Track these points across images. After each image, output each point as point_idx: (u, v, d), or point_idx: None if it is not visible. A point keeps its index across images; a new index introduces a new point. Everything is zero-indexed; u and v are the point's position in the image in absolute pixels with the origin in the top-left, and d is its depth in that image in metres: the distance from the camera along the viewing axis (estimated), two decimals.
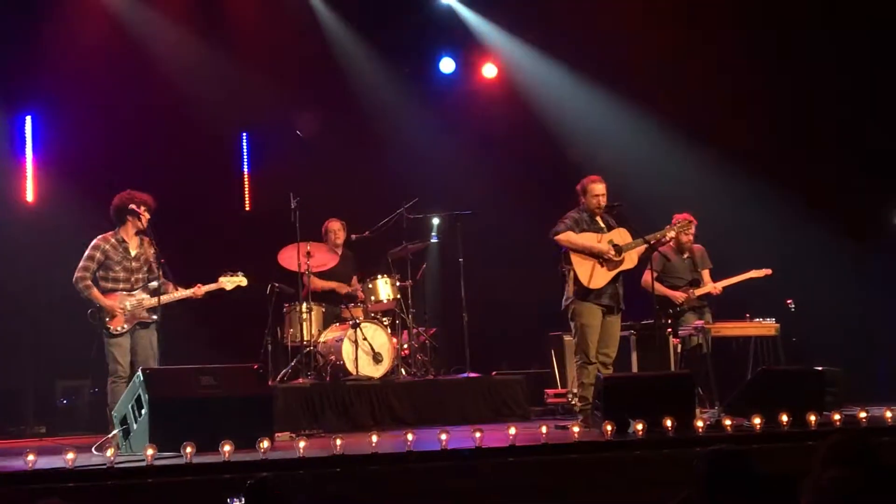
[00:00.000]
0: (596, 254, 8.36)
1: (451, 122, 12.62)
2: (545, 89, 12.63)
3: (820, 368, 8.19)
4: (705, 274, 10.12)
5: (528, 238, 11.12)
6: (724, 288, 10.00)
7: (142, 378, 7.18)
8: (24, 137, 11.32)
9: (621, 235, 8.51)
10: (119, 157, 10.91)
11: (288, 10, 11.93)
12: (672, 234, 9.21)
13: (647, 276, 9.31)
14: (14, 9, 10.71)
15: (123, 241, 8.24)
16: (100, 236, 8.25)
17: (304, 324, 9.89)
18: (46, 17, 11.00)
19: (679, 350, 9.64)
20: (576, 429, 6.93)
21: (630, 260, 8.50)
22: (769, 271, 9.99)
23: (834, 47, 11.54)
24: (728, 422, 7.13)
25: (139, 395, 7.13)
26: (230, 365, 7.86)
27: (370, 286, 10.37)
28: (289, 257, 10.08)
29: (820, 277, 11.28)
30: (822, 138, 11.70)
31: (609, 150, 11.82)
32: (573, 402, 9.01)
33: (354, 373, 9.62)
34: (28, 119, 11.34)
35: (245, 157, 12.47)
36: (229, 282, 8.55)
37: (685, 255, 10.10)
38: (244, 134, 12.49)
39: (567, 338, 9.90)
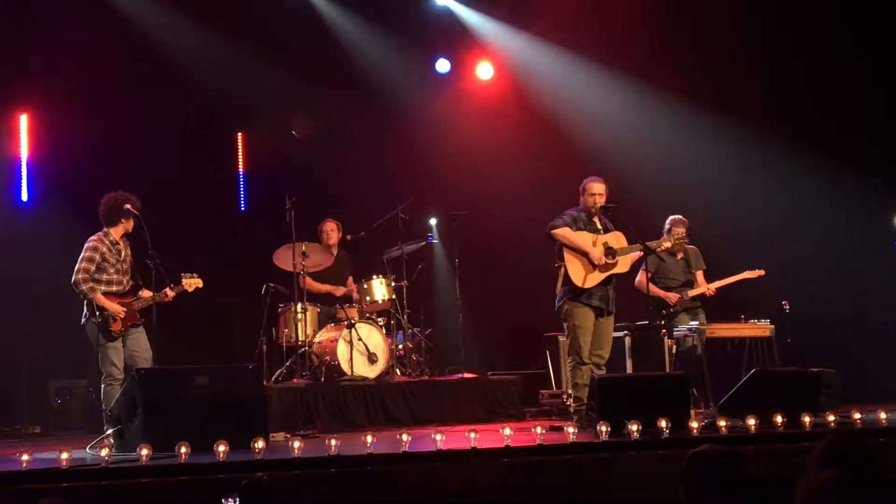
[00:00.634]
0: (588, 256, 8.36)
1: (447, 123, 12.62)
2: (542, 86, 12.63)
3: (814, 370, 8.20)
4: (699, 275, 10.15)
5: (524, 239, 11.14)
6: (717, 289, 10.02)
7: (136, 378, 7.17)
8: (20, 136, 11.30)
9: (617, 239, 8.52)
10: (114, 157, 10.89)
11: (284, 9, 11.92)
12: (668, 244, 9.25)
13: (641, 277, 9.33)
14: (8, 8, 10.69)
15: (116, 242, 8.21)
16: (94, 237, 8.18)
17: (299, 324, 9.88)
18: (41, 16, 10.98)
19: (674, 351, 9.66)
20: (570, 430, 6.93)
21: (624, 264, 8.51)
22: (762, 272, 10.01)
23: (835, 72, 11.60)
24: (722, 423, 7.14)
25: (134, 396, 7.12)
26: (225, 365, 7.86)
27: (365, 286, 10.37)
28: (284, 257, 10.07)
29: (815, 278, 11.29)
30: (817, 139, 11.70)
31: (605, 148, 11.83)
32: (568, 403, 9.02)
33: (349, 373, 9.62)
34: (23, 118, 11.33)
35: (240, 156, 12.45)
36: (189, 283, 8.42)
37: (679, 257, 10.13)
38: (239, 133, 12.48)
39: (562, 338, 9.89)
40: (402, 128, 12.39)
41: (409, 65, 12.55)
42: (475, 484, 6.19)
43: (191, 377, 7.36)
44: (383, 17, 12.24)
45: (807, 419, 7.19)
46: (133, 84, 11.28)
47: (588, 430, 7.44)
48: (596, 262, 8.34)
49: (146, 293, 8.22)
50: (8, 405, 10.50)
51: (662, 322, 9.78)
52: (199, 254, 9.85)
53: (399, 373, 10.14)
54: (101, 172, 10.54)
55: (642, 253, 8.72)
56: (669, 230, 9.60)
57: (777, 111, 11.75)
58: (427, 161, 12.24)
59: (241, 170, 12.45)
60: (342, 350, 9.66)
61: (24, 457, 5.89)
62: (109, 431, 7.23)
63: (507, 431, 6.70)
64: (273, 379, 9.73)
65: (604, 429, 6.81)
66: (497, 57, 12.92)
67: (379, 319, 10.22)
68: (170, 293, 8.28)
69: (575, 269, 8.36)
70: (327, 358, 9.81)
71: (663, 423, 6.89)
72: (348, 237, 10.74)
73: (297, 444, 6.33)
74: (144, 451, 6.04)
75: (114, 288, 8.14)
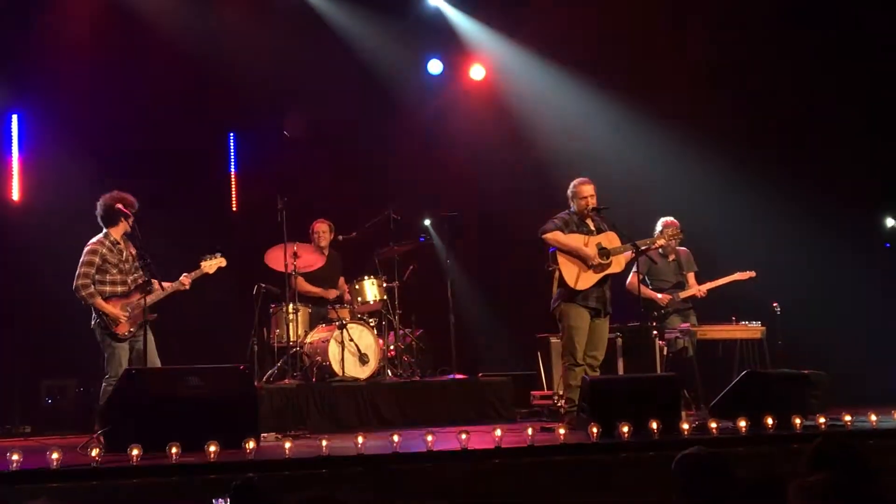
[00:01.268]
0: (581, 257, 8.38)
1: (439, 124, 12.62)
2: (532, 89, 12.64)
3: (805, 371, 8.22)
4: (690, 277, 10.17)
5: (516, 239, 11.15)
6: (708, 290, 10.04)
7: (127, 378, 7.15)
8: (11, 136, 11.27)
9: (609, 239, 8.54)
10: (105, 157, 10.86)
11: (276, 9, 11.91)
12: (662, 241, 9.28)
13: (632, 279, 9.34)
14: (0, 8, 10.67)
15: (117, 242, 8.19)
16: (93, 240, 8.16)
17: (291, 324, 9.88)
18: (33, 15, 10.96)
19: (665, 352, 9.67)
20: (561, 431, 6.95)
21: (617, 264, 8.53)
22: (753, 273, 10.04)
23: (833, 76, 11.64)
24: (713, 424, 7.15)
25: (125, 395, 7.11)
26: (216, 365, 7.84)
27: (357, 287, 10.36)
28: (275, 258, 10.06)
29: (806, 280, 11.31)
30: (809, 141, 11.74)
31: (594, 151, 11.84)
32: (559, 404, 9.02)
33: (340, 374, 9.61)
34: (14, 118, 11.30)
35: (232, 157, 12.44)
36: (210, 265, 8.50)
37: (671, 258, 10.15)
38: (231, 134, 12.46)
39: (553, 339, 9.91)
40: (394, 128, 12.38)
41: (402, 65, 12.55)
42: (466, 485, 6.20)
43: (182, 377, 7.35)
44: (377, 17, 12.23)
45: (797, 421, 7.22)
46: (124, 84, 11.26)
47: (579, 431, 7.45)
48: (590, 262, 8.35)
49: (161, 287, 8.21)
50: None
51: (654, 324, 9.79)
52: (190, 253, 9.82)
53: (390, 373, 10.13)
54: (91, 172, 10.52)
55: (634, 253, 8.73)
56: (661, 232, 9.61)
57: (764, 116, 11.80)
58: (419, 162, 12.23)
59: (232, 170, 12.42)
60: (333, 351, 9.65)
61: (15, 457, 5.87)
62: (101, 431, 7.21)
63: (499, 432, 6.70)
64: (264, 379, 9.72)
65: (595, 430, 6.82)
66: (488, 58, 12.92)
67: (370, 320, 10.22)
68: (186, 281, 8.32)
69: (569, 272, 8.38)
70: (318, 358, 9.80)
71: (654, 425, 6.90)
72: (340, 237, 10.73)
73: (287, 445, 6.32)
74: (135, 452, 6.03)
75: (119, 289, 8.13)
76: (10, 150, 11.26)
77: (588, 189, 8.55)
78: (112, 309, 8.01)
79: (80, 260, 8.09)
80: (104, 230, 8.21)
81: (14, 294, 10.61)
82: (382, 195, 11.06)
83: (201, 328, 10.52)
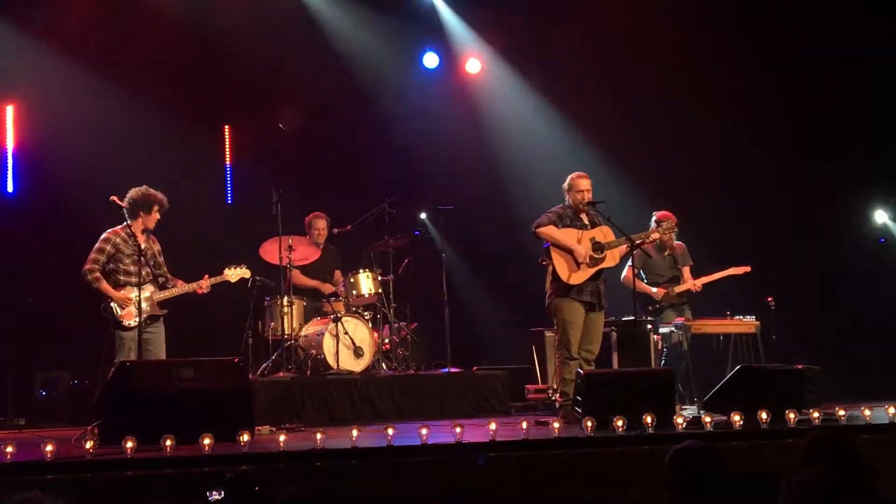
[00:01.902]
0: (573, 253, 8.35)
1: (435, 117, 12.60)
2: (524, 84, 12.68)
3: (799, 366, 8.22)
4: (685, 271, 10.17)
5: (511, 233, 11.15)
6: (703, 285, 10.04)
7: (121, 370, 7.14)
8: (5, 127, 11.24)
9: (604, 233, 8.53)
10: (101, 150, 10.84)
11: (271, 2, 11.88)
12: (657, 235, 9.27)
13: (627, 273, 9.34)
14: None
15: (133, 235, 8.29)
16: (110, 230, 8.35)
17: (286, 317, 9.86)
18: (29, 6, 10.93)
19: (659, 347, 9.68)
20: (556, 424, 6.95)
21: (612, 258, 8.51)
22: (748, 268, 10.04)
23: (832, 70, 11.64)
24: (707, 419, 7.16)
25: (119, 388, 7.10)
26: (210, 358, 7.83)
27: (352, 280, 10.35)
28: (271, 251, 10.05)
29: (800, 275, 11.33)
30: (802, 137, 11.74)
31: (588, 143, 11.86)
32: (554, 398, 9.03)
33: (335, 367, 9.60)
34: (9, 109, 11.27)
35: (226, 149, 12.40)
36: (233, 274, 8.70)
37: (666, 253, 10.15)
38: (226, 126, 12.43)
39: (548, 333, 9.90)
40: (389, 121, 12.36)
41: (397, 58, 12.53)
42: (460, 478, 6.20)
43: (176, 370, 7.34)
44: (372, 10, 12.21)
45: (791, 415, 7.22)
46: (120, 76, 11.22)
47: (574, 424, 7.45)
48: (580, 261, 8.33)
49: (177, 285, 8.38)
50: None
51: (648, 318, 9.80)
52: (185, 247, 9.82)
53: (385, 367, 10.14)
54: (86, 164, 10.50)
55: (629, 247, 8.72)
56: (657, 226, 9.61)
57: (757, 109, 11.80)
58: (414, 155, 12.22)
59: (227, 162, 12.39)
60: (328, 344, 9.65)
61: (9, 449, 5.87)
62: (95, 424, 7.20)
63: (493, 426, 6.71)
64: (259, 372, 9.71)
65: (589, 424, 6.83)
66: (482, 52, 12.91)
67: (365, 313, 10.21)
68: (204, 284, 8.45)
69: (562, 266, 8.37)
70: (313, 351, 9.80)
71: (648, 419, 6.91)
72: (335, 231, 10.72)
73: (282, 438, 6.33)
74: (129, 444, 6.03)
75: (132, 279, 8.25)
76: (5, 141, 11.23)
77: (584, 183, 8.53)
78: (117, 293, 8.13)
79: (94, 246, 8.26)
80: (126, 221, 8.34)
81: (8, 286, 10.58)
82: (378, 188, 11.04)
83: (195, 321, 10.50)
